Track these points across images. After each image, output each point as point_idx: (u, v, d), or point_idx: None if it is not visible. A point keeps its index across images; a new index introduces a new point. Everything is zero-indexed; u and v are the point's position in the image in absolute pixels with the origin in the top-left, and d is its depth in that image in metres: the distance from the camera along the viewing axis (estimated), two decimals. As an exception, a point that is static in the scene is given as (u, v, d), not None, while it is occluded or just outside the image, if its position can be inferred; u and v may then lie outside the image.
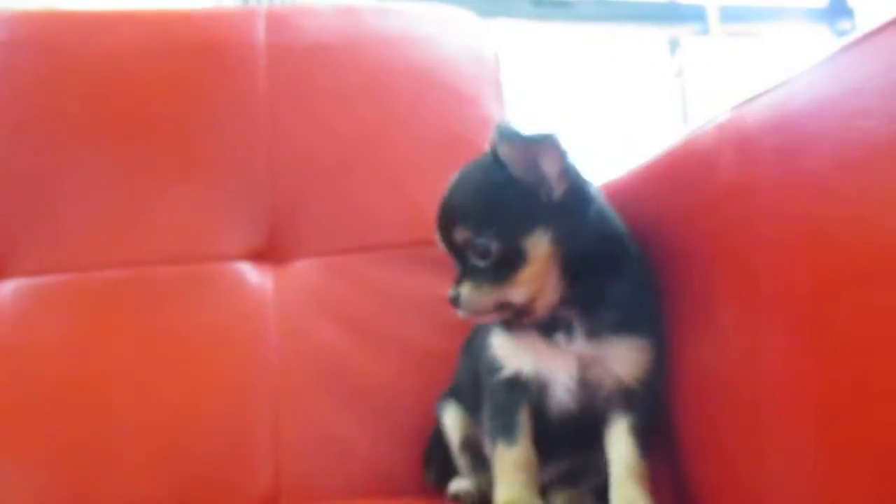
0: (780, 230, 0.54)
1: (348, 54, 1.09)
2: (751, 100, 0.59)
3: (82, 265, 0.97)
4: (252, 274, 0.99)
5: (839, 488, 0.51)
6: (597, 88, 3.11)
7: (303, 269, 1.01)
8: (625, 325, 0.67)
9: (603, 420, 0.69)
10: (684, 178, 0.68)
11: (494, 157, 0.65)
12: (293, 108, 1.06)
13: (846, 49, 0.51)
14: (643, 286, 0.70)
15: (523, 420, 0.69)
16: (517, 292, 0.64)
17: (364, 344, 0.97)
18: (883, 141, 0.45)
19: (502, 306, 0.65)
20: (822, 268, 0.51)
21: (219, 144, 1.03)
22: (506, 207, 0.64)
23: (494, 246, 0.63)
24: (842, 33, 3.17)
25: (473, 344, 0.82)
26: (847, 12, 3.26)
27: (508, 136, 0.63)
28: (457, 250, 0.66)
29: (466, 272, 0.65)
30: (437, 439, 0.87)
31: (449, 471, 0.85)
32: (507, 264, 0.63)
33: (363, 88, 1.08)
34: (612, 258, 0.67)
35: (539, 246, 0.63)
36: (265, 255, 1.01)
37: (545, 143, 0.62)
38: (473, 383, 0.78)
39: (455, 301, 0.65)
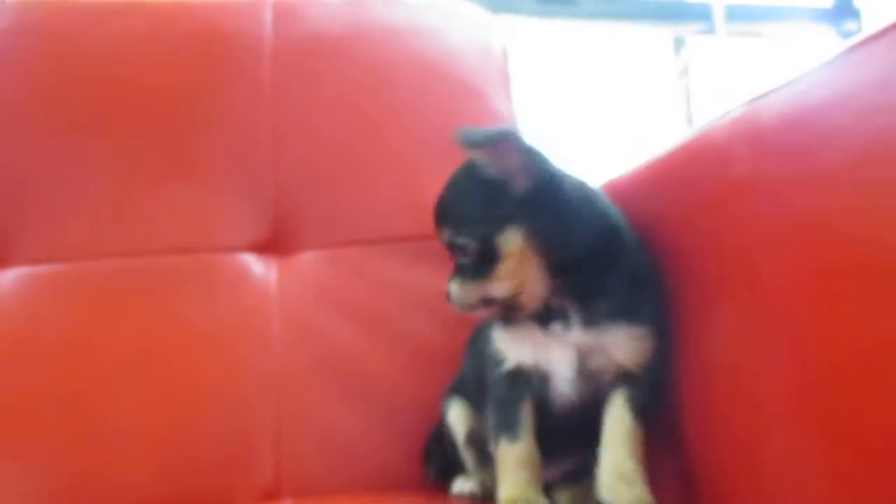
0: (795, 226, 0.53)
1: (354, 45, 1.09)
2: (765, 94, 0.58)
3: (85, 254, 0.96)
4: (256, 265, 0.99)
5: (840, 482, 0.50)
6: (601, 87, 3.10)
7: (306, 261, 1.00)
8: (623, 314, 0.67)
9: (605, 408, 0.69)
10: (696, 173, 0.67)
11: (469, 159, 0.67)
12: (298, 99, 1.05)
13: (866, 43, 0.50)
14: (640, 276, 0.69)
15: (526, 415, 0.69)
16: (497, 287, 0.66)
17: (367, 337, 0.96)
18: (903, 136, 0.45)
19: (487, 301, 0.67)
20: (838, 264, 0.50)
21: (223, 135, 1.02)
22: (480, 207, 0.66)
23: (472, 244, 0.65)
24: (847, 34, 3.16)
25: (477, 340, 0.81)
26: (853, 13, 3.25)
27: (466, 140, 0.64)
28: (449, 248, 0.69)
29: (456, 269, 0.68)
30: (438, 437, 0.86)
31: (448, 468, 0.85)
32: (486, 261, 0.65)
33: (369, 80, 1.07)
34: (604, 248, 0.67)
35: (512, 242, 0.64)
36: (269, 246, 1.00)
37: (503, 142, 0.64)
38: (478, 379, 0.78)
39: (448, 296, 0.69)
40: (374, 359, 0.96)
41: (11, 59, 1.04)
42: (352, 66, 1.08)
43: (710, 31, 3.22)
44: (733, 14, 3.20)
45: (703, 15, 3.22)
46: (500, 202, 0.65)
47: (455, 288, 0.68)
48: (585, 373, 0.68)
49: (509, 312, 0.69)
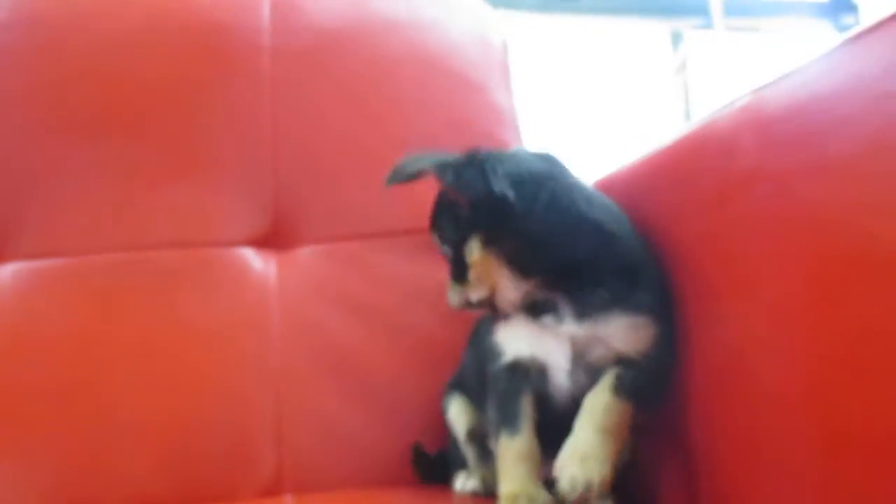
0: (803, 216, 0.53)
1: (354, 38, 1.08)
2: (771, 84, 0.58)
3: (84, 249, 0.95)
4: (255, 260, 0.98)
5: (838, 482, 0.50)
6: (599, 82, 3.10)
7: (306, 255, 0.99)
8: (618, 304, 0.67)
9: None
10: (700, 164, 0.67)
11: None
12: (298, 92, 1.04)
13: (872, 31, 0.49)
14: (635, 264, 0.69)
15: (525, 408, 0.69)
16: (472, 292, 0.70)
17: (367, 331, 0.96)
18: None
19: (469, 304, 0.71)
20: (844, 256, 0.50)
21: (222, 129, 1.02)
22: (449, 220, 0.71)
23: (449, 254, 0.71)
24: (845, 28, 3.16)
25: (477, 334, 0.81)
26: (851, 7, 3.26)
27: (391, 177, 0.69)
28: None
29: (449, 271, 0.72)
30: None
31: (438, 470, 0.86)
32: (461, 268, 0.69)
33: (369, 73, 1.06)
34: (587, 242, 0.67)
35: (473, 251, 0.68)
36: (268, 241, 1.00)
37: (424, 176, 0.68)
38: (478, 374, 0.78)
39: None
40: (375, 352, 0.95)
41: (8, 53, 1.03)
42: (351, 59, 1.07)
43: (708, 25, 3.22)
44: (731, 9, 3.20)
45: (701, 10, 3.23)
46: (460, 215, 0.69)
47: (448, 290, 0.72)
48: (584, 365, 0.68)
49: (494, 311, 0.71)
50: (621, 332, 0.67)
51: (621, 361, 0.67)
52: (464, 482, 0.80)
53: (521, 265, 0.67)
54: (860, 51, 0.50)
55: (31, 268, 0.94)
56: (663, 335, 0.68)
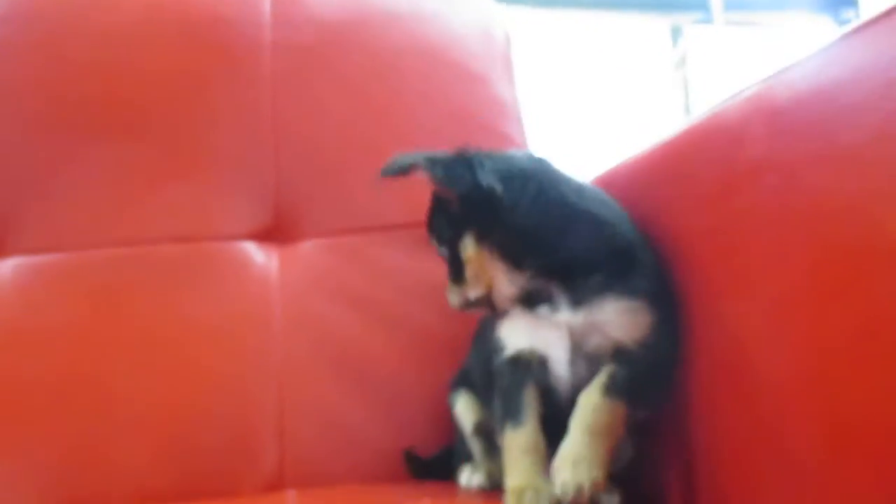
0: (812, 205, 0.52)
1: (355, 30, 1.07)
2: (780, 72, 0.57)
3: (84, 243, 0.95)
4: (257, 254, 0.97)
5: (840, 478, 0.50)
6: (598, 77, 3.09)
7: (308, 249, 0.99)
8: (612, 289, 0.67)
9: None
10: (707, 155, 0.66)
11: None
12: (299, 85, 1.04)
13: (883, 18, 0.49)
14: (629, 250, 0.69)
15: (529, 400, 0.68)
16: (470, 290, 0.71)
17: (369, 325, 0.95)
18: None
19: (468, 303, 0.71)
20: (855, 246, 0.49)
21: (223, 123, 1.01)
22: (443, 219, 0.72)
23: (445, 253, 0.72)
24: (845, 23, 3.15)
25: (482, 331, 0.81)
26: (851, 2, 3.25)
27: (383, 171, 0.70)
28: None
29: (448, 273, 0.73)
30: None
31: (432, 470, 0.86)
32: (458, 267, 0.70)
33: (370, 66, 1.06)
34: (576, 231, 0.68)
35: (467, 248, 0.69)
36: (270, 234, 0.99)
37: (414, 171, 0.68)
38: (484, 370, 0.77)
39: None
40: (376, 346, 0.95)
41: (8, 46, 1.02)
42: (352, 52, 1.06)
43: (708, 20, 3.22)
44: (731, 4, 3.20)
45: (701, 4, 3.23)
46: (452, 213, 0.70)
47: (447, 291, 0.73)
48: (583, 354, 0.68)
49: (493, 309, 0.72)
50: (616, 318, 0.66)
51: (618, 353, 0.67)
52: (469, 477, 0.80)
53: (514, 258, 0.68)
54: (868, 40, 0.50)
55: (31, 262, 0.94)
56: (660, 322, 0.67)
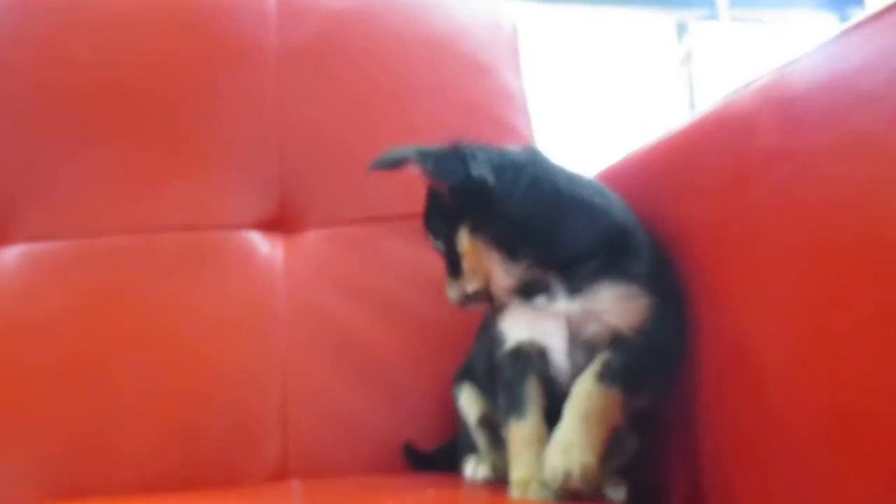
0: (826, 195, 0.52)
1: (361, 20, 1.07)
2: (793, 61, 0.56)
3: (88, 231, 0.94)
4: (262, 243, 0.97)
5: (846, 472, 0.49)
6: (604, 73, 3.09)
7: (313, 239, 0.99)
8: (606, 274, 0.66)
9: None
10: (718, 145, 0.65)
11: None
12: (304, 75, 1.03)
13: (898, 6, 0.48)
14: (625, 235, 0.68)
15: (531, 393, 0.68)
16: (468, 284, 0.71)
17: (372, 314, 0.95)
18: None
19: (467, 297, 0.72)
20: (869, 233, 0.48)
21: (228, 112, 1.01)
22: (438, 213, 0.72)
23: (442, 248, 0.72)
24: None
25: (485, 324, 0.80)
26: (856, 0, 3.24)
27: (373, 164, 0.70)
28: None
29: (446, 269, 0.73)
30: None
31: (432, 463, 0.86)
32: (455, 261, 0.71)
33: (376, 56, 1.05)
34: (570, 219, 0.68)
35: (463, 241, 0.69)
36: (275, 224, 0.99)
37: (405, 164, 0.68)
38: (487, 365, 0.77)
39: None
40: (379, 336, 0.95)
41: (11, 34, 1.02)
42: (358, 41, 1.06)
43: (714, 16, 3.21)
44: (737, 0, 3.19)
45: (707, 1, 3.22)
46: (447, 207, 0.70)
47: (446, 286, 0.74)
48: (581, 343, 0.67)
49: (492, 302, 0.72)
50: (612, 304, 0.66)
51: (615, 341, 0.66)
52: (474, 469, 0.80)
53: (509, 248, 0.68)
54: (881, 28, 0.49)
55: (35, 250, 0.94)
56: (658, 308, 0.67)
